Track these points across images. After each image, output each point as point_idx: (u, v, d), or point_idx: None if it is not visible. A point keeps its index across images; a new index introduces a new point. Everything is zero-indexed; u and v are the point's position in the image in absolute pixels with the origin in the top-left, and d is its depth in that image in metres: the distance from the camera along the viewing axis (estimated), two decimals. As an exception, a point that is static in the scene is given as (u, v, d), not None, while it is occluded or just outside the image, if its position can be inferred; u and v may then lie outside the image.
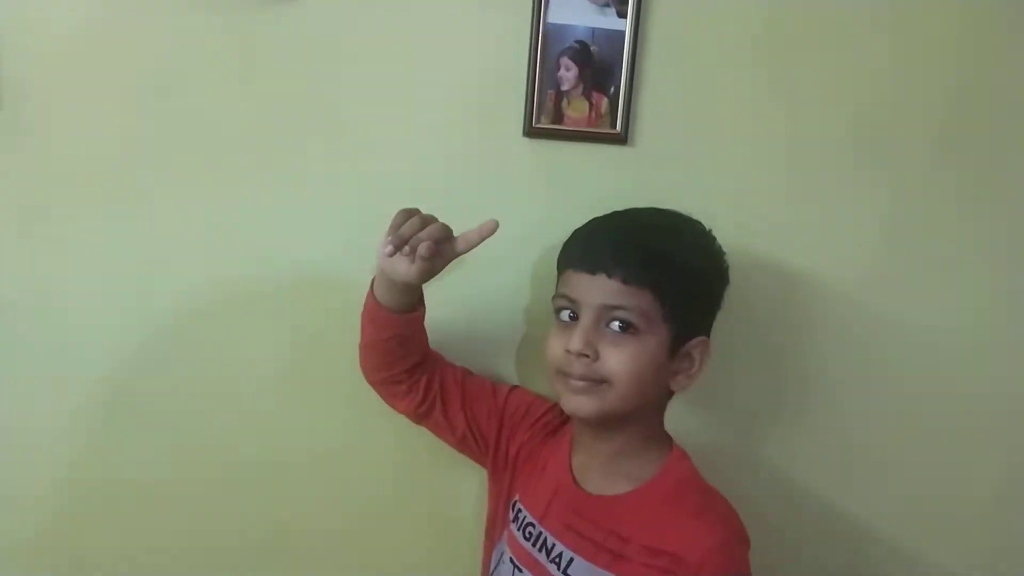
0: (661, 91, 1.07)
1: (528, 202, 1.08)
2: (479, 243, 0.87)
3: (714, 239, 0.94)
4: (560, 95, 1.06)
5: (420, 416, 1.00)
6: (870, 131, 1.09)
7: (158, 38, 1.00)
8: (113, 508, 1.09)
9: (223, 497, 1.10)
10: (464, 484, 1.11)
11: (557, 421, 1.02)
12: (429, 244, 0.82)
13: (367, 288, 0.95)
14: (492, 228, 0.86)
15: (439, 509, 1.13)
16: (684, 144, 1.08)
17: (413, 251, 0.83)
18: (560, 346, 0.88)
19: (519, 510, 0.98)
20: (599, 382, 0.86)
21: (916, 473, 1.16)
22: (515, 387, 1.05)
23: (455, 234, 0.87)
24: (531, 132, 1.06)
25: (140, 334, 1.06)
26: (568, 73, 1.06)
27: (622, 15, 1.04)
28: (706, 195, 1.07)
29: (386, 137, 1.05)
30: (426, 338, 0.98)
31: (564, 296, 0.90)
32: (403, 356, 0.96)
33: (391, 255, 0.85)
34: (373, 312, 0.93)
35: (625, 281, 0.84)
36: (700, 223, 0.94)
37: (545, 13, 1.04)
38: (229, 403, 1.09)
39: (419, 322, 0.95)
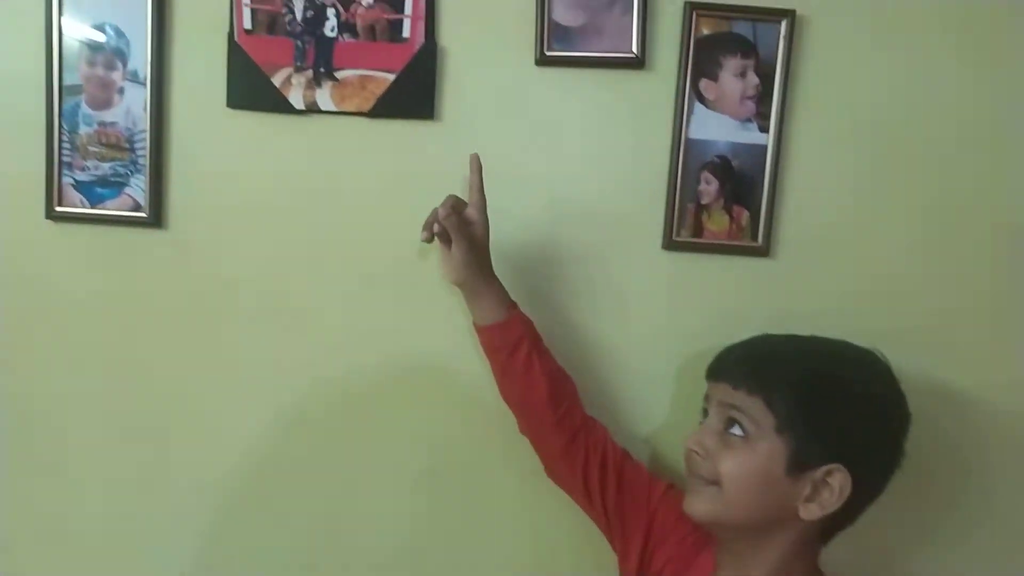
0: (804, 204, 1.06)
1: (667, 314, 1.08)
2: (480, 181, 0.94)
3: (880, 374, 0.89)
4: (700, 208, 1.06)
5: (582, 493, 0.99)
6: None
7: (314, 157, 1.05)
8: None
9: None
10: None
11: (706, 537, 0.99)
12: (445, 209, 0.90)
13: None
14: (474, 160, 0.94)
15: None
16: (828, 257, 1.07)
17: (446, 236, 0.91)
18: (688, 441, 0.90)
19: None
20: (710, 483, 0.86)
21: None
22: (671, 486, 1.00)
23: None
24: (670, 245, 1.06)
25: (282, 429, 1.09)
26: (709, 187, 1.06)
27: (764, 130, 1.05)
28: (852, 309, 1.05)
29: (526, 248, 1.06)
30: (552, 361, 0.98)
31: (705, 399, 0.92)
32: (531, 379, 0.95)
33: (428, 240, 0.91)
34: (482, 340, 0.97)
35: (735, 386, 0.86)
36: (872, 355, 0.89)
37: (687, 129, 1.05)
38: (360, 492, 1.10)
39: (518, 325, 0.95)
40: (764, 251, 1.06)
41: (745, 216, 1.06)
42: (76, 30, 1.01)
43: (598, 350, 1.07)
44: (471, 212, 0.93)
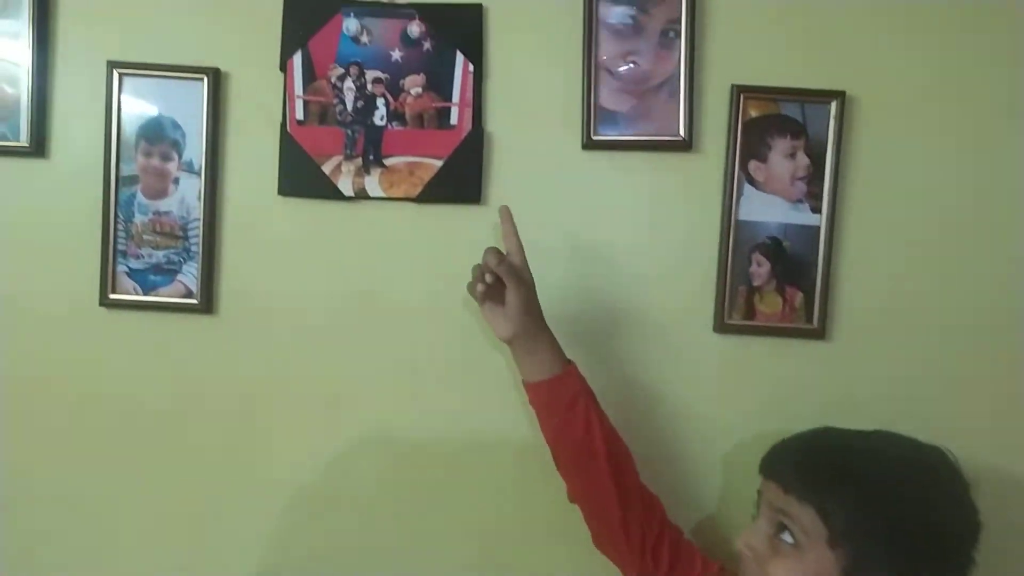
0: (859, 285, 1.04)
1: (720, 398, 1.05)
2: (514, 227, 0.91)
3: (948, 483, 0.83)
4: (752, 290, 1.04)
5: (635, 566, 0.94)
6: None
7: (363, 242, 1.06)
8: None
9: None
10: None
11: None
12: (495, 257, 0.88)
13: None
14: (504, 210, 0.92)
15: None
16: (887, 339, 1.04)
17: (497, 288, 0.89)
18: (739, 541, 0.86)
19: None
20: None
21: None
22: (723, 568, 0.95)
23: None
24: (722, 327, 1.04)
25: (329, 516, 1.08)
26: (760, 269, 1.04)
27: (816, 211, 1.03)
28: (914, 394, 1.03)
29: (573, 331, 1.04)
30: (609, 422, 0.93)
31: (758, 493, 0.88)
32: (590, 438, 0.90)
33: (484, 292, 0.89)
34: (535, 398, 0.93)
35: (786, 490, 0.82)
36: (939, 457, 0.83)
37: (736, 210, 1.03)
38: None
39: (576, 379, 0.92)
40: (819, 333, 1.04)
41: (799, 298, 1.04)
42: (134, 123, 1.04)
43: (648, 433, 1.05)
44: (514, 258, 0.90)
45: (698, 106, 1.04)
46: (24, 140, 1.04)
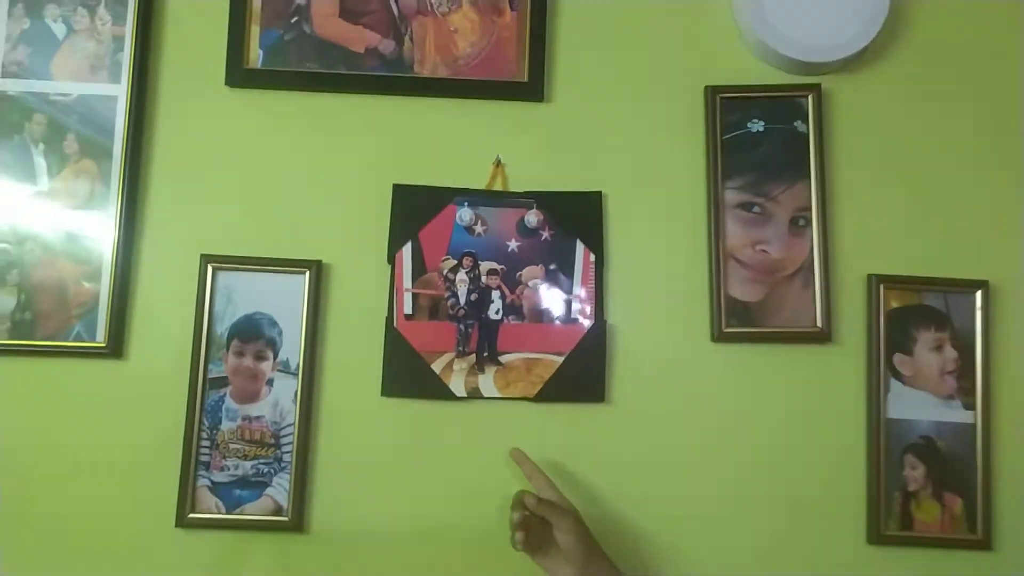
0: (1024, 489, 0.95)
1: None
2: (534, 465, 0.89)
3: None
4: (907, 496, 0.95)
5: None
6: None
7: (473, 444, 0.95)
8: None
9: None
10: None
11: None
12: (531, 498, 0.82)
13: None
14: (517, 454, 0.90)
15: None
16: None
17: (540, 538, 0.84)
18: None
19: None
20: None
21: None
22: None
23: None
24: (878, 539, 0.94)
25: None
26: (915, 472, 0.95)
27: (969, 407, 0.96)
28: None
29: (711, 545, 0.94)
30: None
31: None
32: None
33: (524, 538, 0.82)
34: None
35: None
36: None
37: (884, 408, 0.96)
38: None
39: None
40: (984, 544, 0.94)
41: (959, 504, 0.94)
42: (226, 320, 0.95)
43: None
44: (548, 493, 0.86)
45: (835, 296, 0.97)
46: (101, 340, 0.95)
